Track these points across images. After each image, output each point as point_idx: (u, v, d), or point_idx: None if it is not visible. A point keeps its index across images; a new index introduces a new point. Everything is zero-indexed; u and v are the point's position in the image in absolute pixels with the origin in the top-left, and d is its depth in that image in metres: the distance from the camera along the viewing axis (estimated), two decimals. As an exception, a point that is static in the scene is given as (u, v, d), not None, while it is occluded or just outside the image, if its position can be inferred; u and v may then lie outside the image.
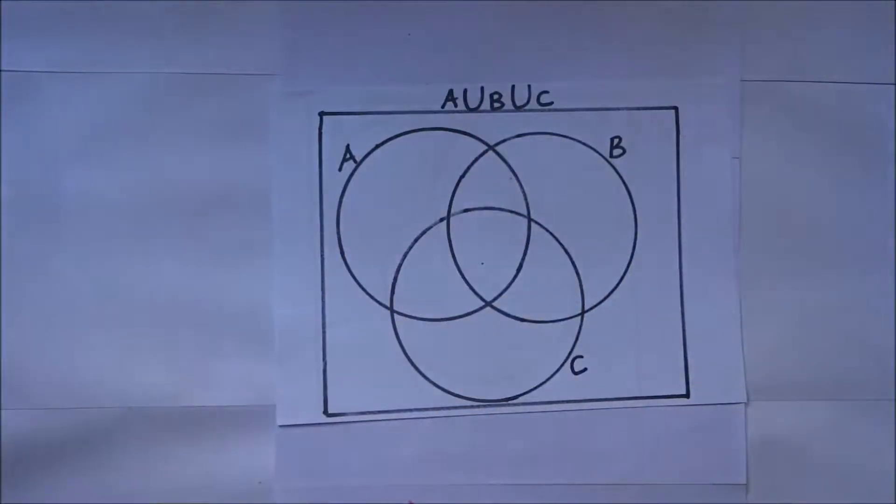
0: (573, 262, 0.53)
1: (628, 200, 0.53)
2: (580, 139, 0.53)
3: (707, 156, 0.54)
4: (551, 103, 0.53)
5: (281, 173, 0.52)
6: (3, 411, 0.51)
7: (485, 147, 0.53)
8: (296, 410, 0.51)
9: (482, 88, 0.53)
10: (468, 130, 0.53)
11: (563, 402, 0.52)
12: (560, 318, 0.53)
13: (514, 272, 0.53)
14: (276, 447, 0.51)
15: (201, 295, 0.52)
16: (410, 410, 0.52)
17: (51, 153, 0.51)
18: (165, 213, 0.52)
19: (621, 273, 0.53)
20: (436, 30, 0.53)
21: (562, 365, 0.53)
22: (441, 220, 0.53)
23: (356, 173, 0.53)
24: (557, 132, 0.53)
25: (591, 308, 0.53)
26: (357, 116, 0.53)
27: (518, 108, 0.53)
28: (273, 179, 0.52)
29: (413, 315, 0.52)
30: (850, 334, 0.54)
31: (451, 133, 0.53)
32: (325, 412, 0.51)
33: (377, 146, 0.53)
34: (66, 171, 0.51)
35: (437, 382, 0.52)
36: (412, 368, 0.52)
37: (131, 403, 0.51)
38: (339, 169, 0.53)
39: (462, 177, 0.53)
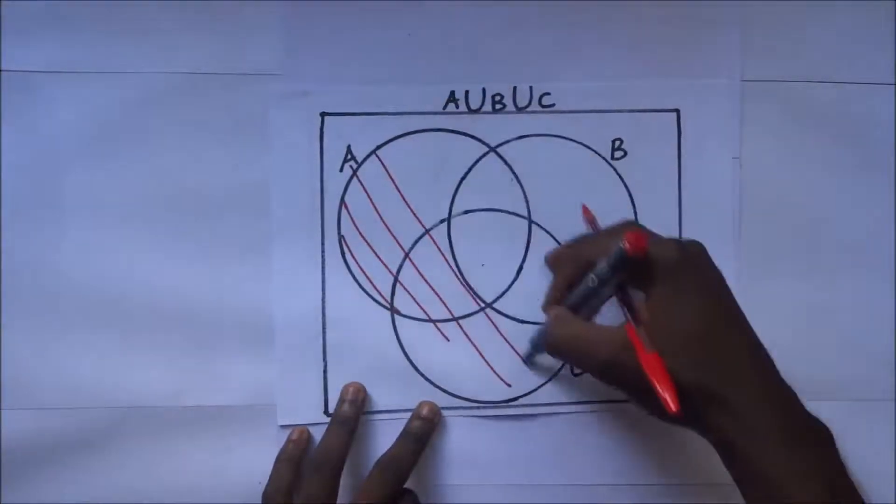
0: (574, 263, 0.53)
1: (629, 202, 0.53)
2: (581, 141, 0.53)
3: (708, 156, 0.53)
4: (553, 105, 0.53)
5: (281, 173, 0.52)
6: (3, 411, 0.51)
7: (486, 148, 0.53)
8: (296, 410, 0.51)
9: (483, 90, 0.53)
10: (469, 132, 0.53)
11: (562, 403, 0.53)
12: (560, 318, 0.53)
13: (515, 274, 0.53)
14: (276, 447, 0.51)
15: (201, 294, 0.52)
16: (410, 410, 0.52)
17: (51, 153, 0.51)
18: (165, 214, 0.52)
19: (622, 274, 0.53)
20: (437, 30, 0.53)
21: (562, 366, 0.53)
22: (442, 221, 0.52)
23: (357, 174, 0.52)
24: (559, 134, 0.53)
25: (592, 309, 0.53)
26: (358, 117, 0.52)
27: (519, 110, 0.53)
28: (273, 179, 0.52)
29: (413, 315, 0.52)
30: (850, 334, 0.54)
31: (452, 134, 0.53)
32: (325, 412, 0.51)
33: (378, 147, 0.53)
34: (66, 171, 0.51)
35: (436, 382, 0.52)
36: (412, 368, 0.52)
37: (131, 403, 0.51)
38: (340, 170, 0.52)
39: (463, 178, 0.53)
